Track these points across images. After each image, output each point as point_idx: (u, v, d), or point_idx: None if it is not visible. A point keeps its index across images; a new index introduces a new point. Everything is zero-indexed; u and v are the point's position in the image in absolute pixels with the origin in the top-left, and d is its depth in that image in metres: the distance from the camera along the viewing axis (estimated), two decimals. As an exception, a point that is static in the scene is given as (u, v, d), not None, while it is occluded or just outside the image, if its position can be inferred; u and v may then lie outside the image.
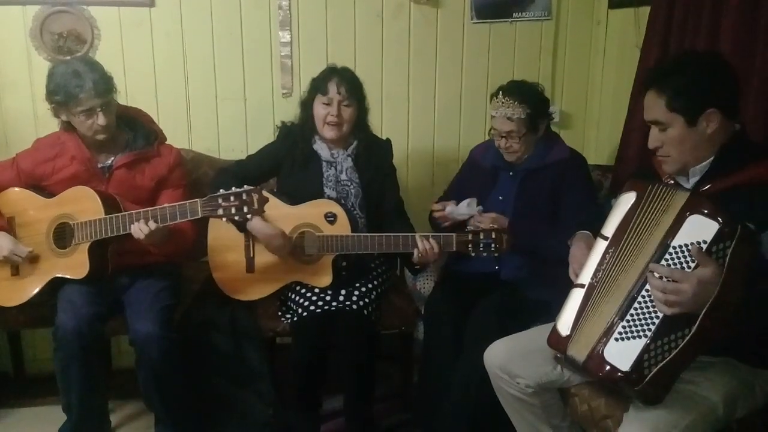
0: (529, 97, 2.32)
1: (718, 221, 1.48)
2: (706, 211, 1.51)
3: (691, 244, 1.50)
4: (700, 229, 1.50)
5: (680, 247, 1.53)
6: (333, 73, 2.45)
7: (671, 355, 1.51)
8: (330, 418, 2.54)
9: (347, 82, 2.42)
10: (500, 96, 2.32)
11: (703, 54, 1.79)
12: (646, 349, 1.53)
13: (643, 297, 1.57)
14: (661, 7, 2.51)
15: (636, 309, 1.58)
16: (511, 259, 2.38)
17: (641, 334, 1.55)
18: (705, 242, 1.49)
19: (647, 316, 1.56)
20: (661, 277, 1.52)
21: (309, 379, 2.33)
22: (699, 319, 1.47)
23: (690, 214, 1.53)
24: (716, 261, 1.47)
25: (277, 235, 2.31)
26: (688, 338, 1.50)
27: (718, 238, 1.48)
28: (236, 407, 2.38)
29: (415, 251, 2.23)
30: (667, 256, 1.54)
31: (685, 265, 1.52)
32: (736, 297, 1.46)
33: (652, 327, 1.54)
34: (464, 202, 2.36)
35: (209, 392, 2.38)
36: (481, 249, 2.23)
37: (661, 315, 1.53)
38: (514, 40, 3.09)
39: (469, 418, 2.12)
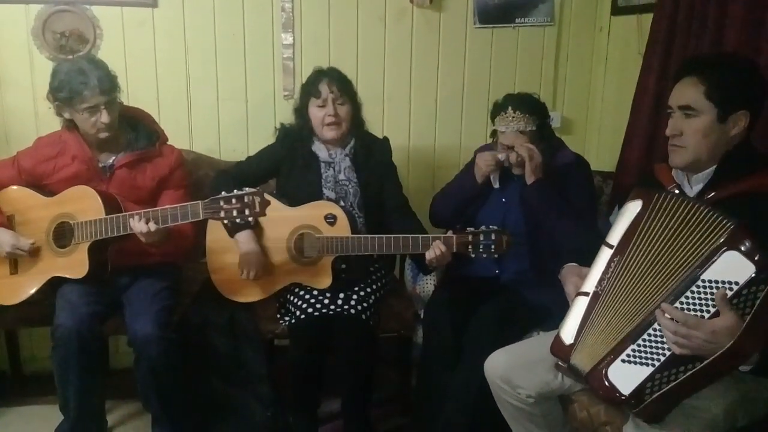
0: (536, 109, 2.34)
1: (754, 263, 1.40)
2: (743, 249, 1.42)
3: (722, 282, 1.44)
4: (734, 268, 1.42)
5: (709, 282, 1.46)
6: (321, 74, 2.46)
7: (673, 384, 1.49)
8: (328, 421, 2.53)
9: (337, 81, 2.43)
10: (509, 111, 2.31)
11: (746, 58, 1.80)
12: (650, 378, 1.51)
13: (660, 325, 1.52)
14: (664, 14, 2.51)
15: (650, 335, 1.53)
16: (511, 264, 2.39)
17: (649, 362, 1.52)
18: (737, 283, 1.42)
19: (659, 345, 1.52)
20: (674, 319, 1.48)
21: (307, 382, 2.34)
22: (709, 360, 1.44)
23: (727, 250, 1.44)
24: (738, 310, 1.41)
25: (255, 253, 2.31)
26: (693, 371, 1.47)
27: (751, 281, 1.41)
28: (234, 409, 2.37)
29: (429, 253, 2.22)
30: (693, 288, 1.48)
31: (710, 301, 1.46)
32: (757, 344, 1.42)
33: (662, 358, 1.50)
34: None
35: (207, 393, 2.37)
36: (480, 250, 2.22)
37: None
38: (517, 45, 3.10)
39: (468, 424, 2.11)
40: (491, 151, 2.42)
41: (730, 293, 1.42)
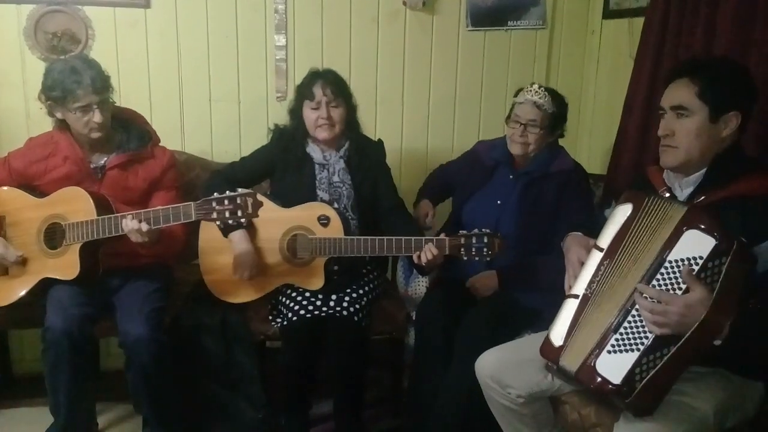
0: (559, 99, 2.39)
1: (714, 237, 1.47)
2: (703, 227, 1.50)
3: (687, 259, 1.50)
4: (696, 244, 1.50)
5: (676, 261, 1.52)
6: (316, 76, 2.45)
7: (660, 365, 1.51)
8: (320, 423, 2.53)
9: (331, 84, 2.42)
10: (534, 86, 2.37)
11: (738, 62, 1.83)
12: (638, 363, 1.53)
13: (638, 311, 1.56)
14: (655, 18, 2.53)
15: (630, 322, 1.57)
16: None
17: (634, 347, 1.55)
18: (701, 258, 1.48)
19: (640, 330, 1.55)
20: (650, 298, 1.53)
21: (298, 383, 2.34)
22: (686, 336, 1.48)
23: (687, 229, 1.52)
24: (706, 284, 1.47)
25: (249, 253, 2.32)
26: (675, 349, 1.50)
27: (713, 254, 1.47)
28: (226, 410, 2.37)
29: (421, 256, 2.22)
30: (662, 270, 1.54)
31: (679, 279, 1.51)
32: (727, 315, 1.46)
33: (645, 341, 1.54)
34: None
35: (199, 395, 2.37)
36: (473, 253, 2.23)
37: None
38: (509, 48, 3.11)
39: (460, 425, 2.12)
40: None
41: (696, 268, 1.49)
